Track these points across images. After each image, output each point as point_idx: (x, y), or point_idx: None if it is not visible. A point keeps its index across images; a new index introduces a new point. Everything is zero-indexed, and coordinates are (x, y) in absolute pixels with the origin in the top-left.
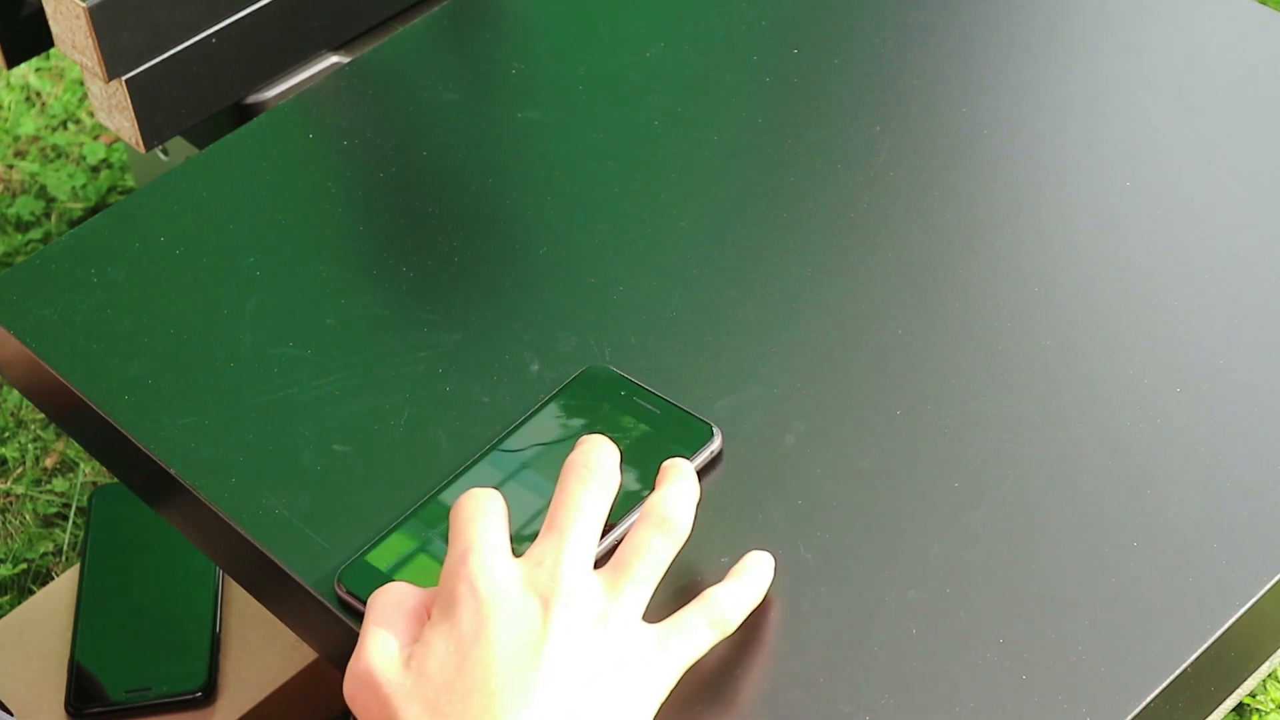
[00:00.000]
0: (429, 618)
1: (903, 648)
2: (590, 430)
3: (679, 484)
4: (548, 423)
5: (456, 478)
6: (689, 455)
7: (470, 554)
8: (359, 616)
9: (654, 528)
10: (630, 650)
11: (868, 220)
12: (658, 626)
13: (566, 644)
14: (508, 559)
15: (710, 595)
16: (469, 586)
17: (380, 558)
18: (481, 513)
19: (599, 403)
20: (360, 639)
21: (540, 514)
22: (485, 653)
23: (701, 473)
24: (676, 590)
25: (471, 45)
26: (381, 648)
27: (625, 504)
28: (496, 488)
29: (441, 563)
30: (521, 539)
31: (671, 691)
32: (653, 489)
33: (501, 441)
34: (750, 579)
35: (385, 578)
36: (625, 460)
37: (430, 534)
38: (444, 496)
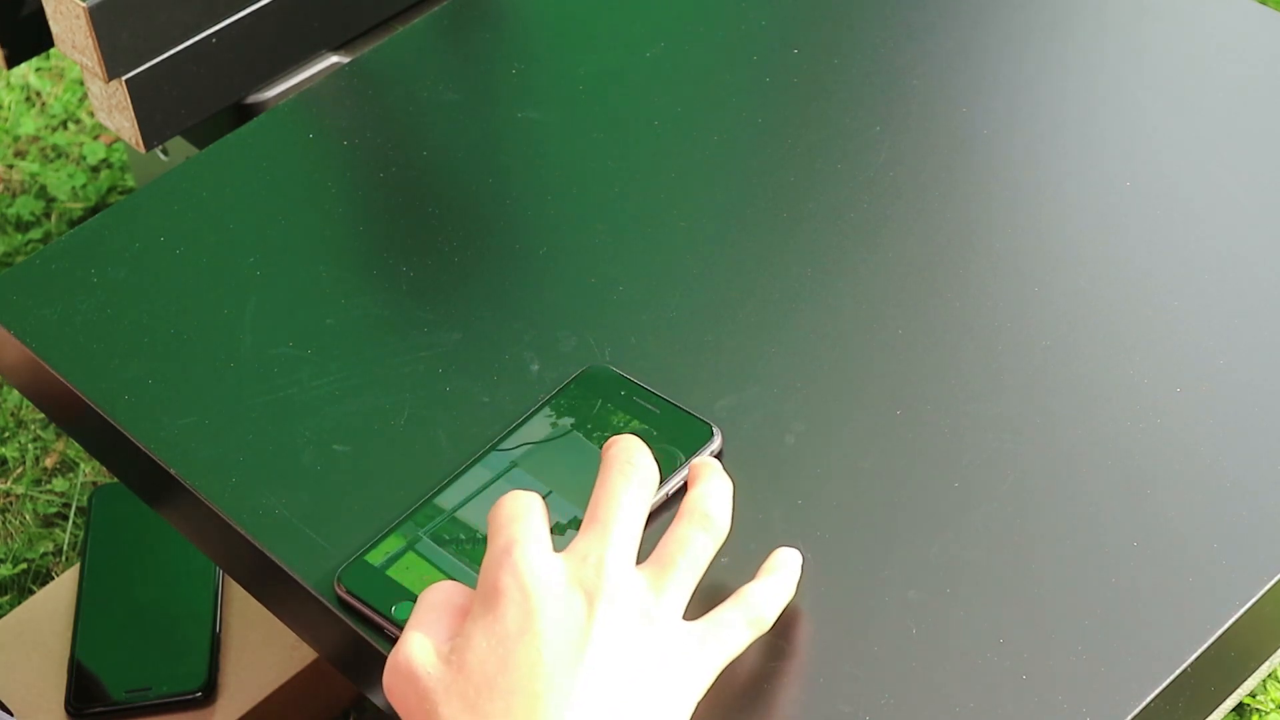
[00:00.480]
0: None
1: (903, 648)
2: (590, 430)
3: (716, 481)
4: (548, 422)
5: (456, 478)
6: (689, 455)
7: (515, 547)
8: (359, 616)
9: (696, 524)
10: (672, 648)
11: (868, 220)
12: (697, 624)
13: (611, 642)
14: (551, 554)
15: (747, 593)
16: (514, 579)
17: (380, 558)
18: (524, 511)
19: (599, 402)
20: (404, 632)
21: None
22: (530, 650)
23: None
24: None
25: (471, 45)
26: (422, 641)
27: None
28: (496, 486)
29: (439, 564)
30: None
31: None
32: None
33: (502, 440)
34: (783, 575)
35: (385, 578)
36: None
37: (429, 534)
38: (444, 497)
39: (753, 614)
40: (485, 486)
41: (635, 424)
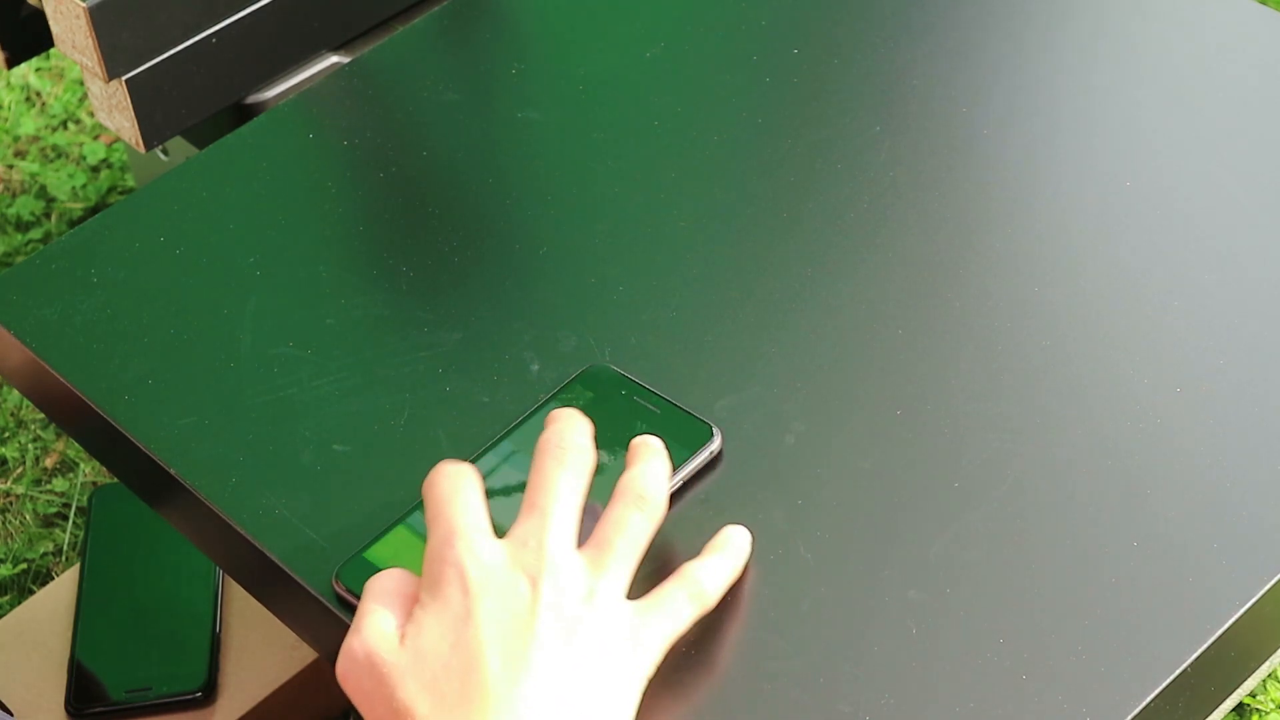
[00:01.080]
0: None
1: (903, 648)
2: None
3: (652, 461)
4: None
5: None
6: (689, 455)
7: (455, 538)
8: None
9: (631, 505)
10: (617, 627)
11: (868, 220)
12: (639, 603)
13: (556, 621)
14: (492, 540)
15: (688, 570)
16: (455, 569)
17: (378, 555)
18: (458, 491)
19: (599, 402)
20: (355, 619)
21: None
22: (477, 631)
23: (701, 473)
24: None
25: (471, 45)
26: (378, 626)
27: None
28: (495, 485)
29: None
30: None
31: (656, 669)
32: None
33: (502, 440)
34: (727, 553)
35: None
36: (626, 458)
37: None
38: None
39: (693, 589)
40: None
41: (636, 423)
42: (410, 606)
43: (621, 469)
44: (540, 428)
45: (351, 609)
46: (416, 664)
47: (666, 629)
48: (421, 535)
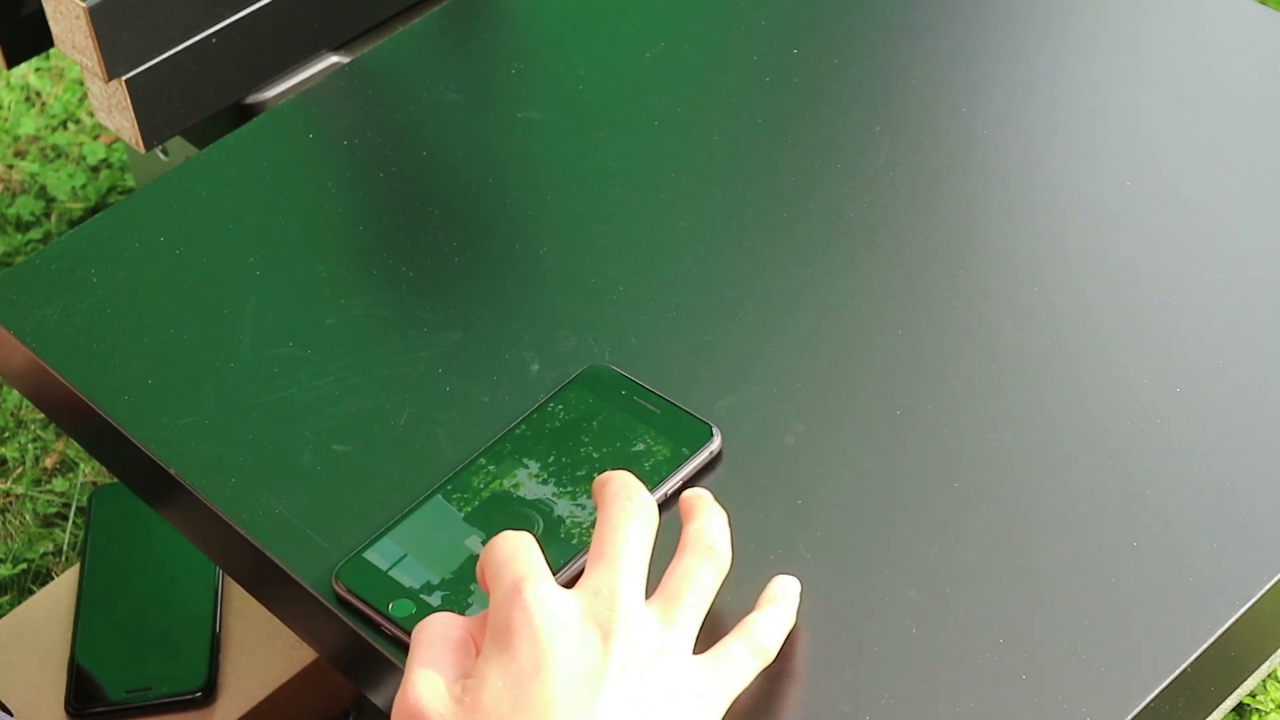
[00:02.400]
0: (476, 649)
1: (903, 648)
2: (589, 430)
3: (712, 512)
4: (548, 421)
5: (455, 477)
6: (689, 455)
7: (525, 584)
8: (357, 614)
9: (700, 556)
10: (684, 683)
11: (867, 220)
12: (706, 658)
13: (627, 677)
14: (561, 589)
15: (751, 625)
16: (525, 616)
17: (378, 555)
18: (523, 548)
19: (599, 402)
20: (406, 673)
21: (539, 512)
22: (545, 687)
23: (701, 473)
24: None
25: (471, 45)
26: (430, 682)
27: None
28: (496, 485)
29: (437, 562)
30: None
31: None
32: (653, 483)
33: (502, 440)
34: (783, 605)
35: (383, 575)
36: (624, 460)
37: (428, 532)
38: (442, 495)
39: (757, 645)
40: (484, 485)
41: (635, 424)
42: (463, 653)
43: (620, 468)
44: (541, 428)
45: (352, 609)
46: (477, 714)
47: (732, 685)
48: (420, 536)
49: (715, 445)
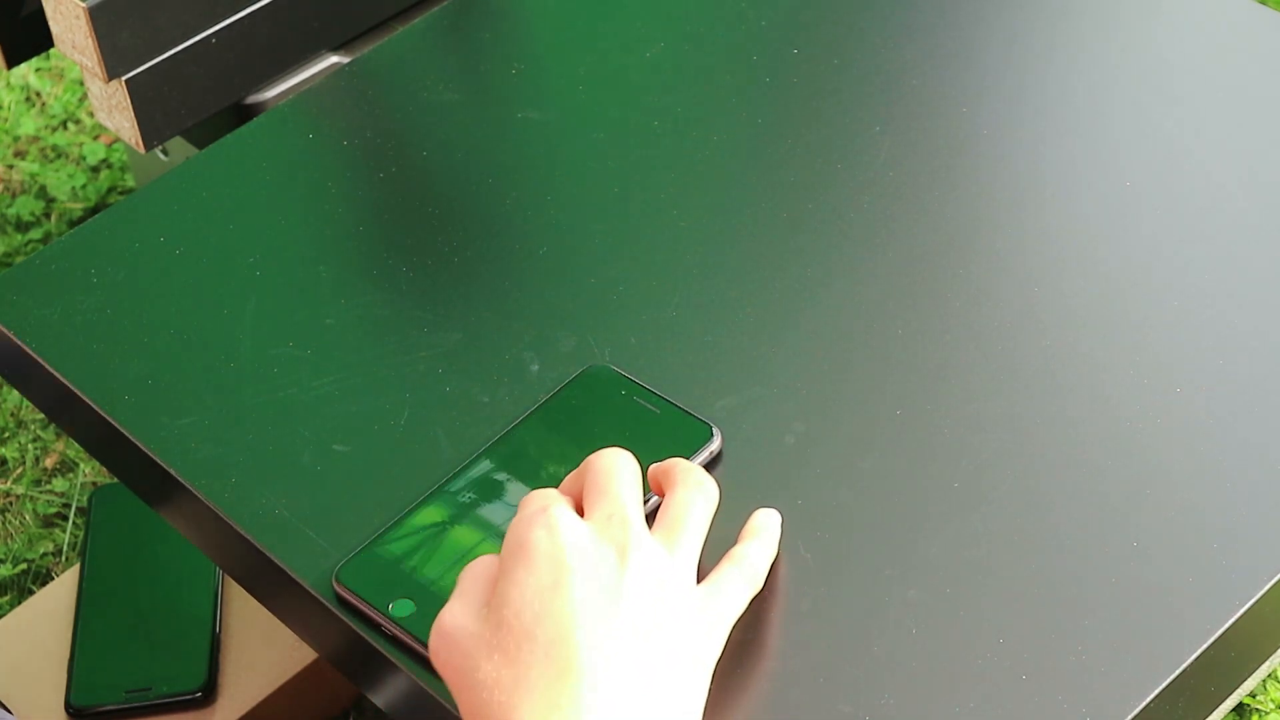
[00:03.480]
0: None
1: (903, 648)
2: (589, 429)
3: (698, 485)
4: (548, 421)
5: (456, 476)
6: (689, 455)
7: (548, 509)
8: (358, 614)
9: (694, 488)
10: (690, 607)
11: (868, 220)
12: (705, 585)
13: (642, 595)
14: (579, 518)
15: (740, 554)
16: (546, 532)
17: (378, 555)
18: (552, 495)
19: (599, 402)
20: (448, 601)
21: None
22: (565, 600)
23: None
24: None
25: (471, 45)
26: (462, 604)
27: None
28: (495, 485)
29: (438, 561)
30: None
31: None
32: (647, 488)
33: (502, 440)
34: (766, 535)
35: (383, 575)
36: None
37: (428, 532)
38: (443, 495)
39: (749, 573)
40: (484, 485)
41: (635, 424)
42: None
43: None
44: (541, 428)
45: (352, 609)
46: (500, 635)
47: (731, 611)
48: (420, 536)
49: (715, 445)
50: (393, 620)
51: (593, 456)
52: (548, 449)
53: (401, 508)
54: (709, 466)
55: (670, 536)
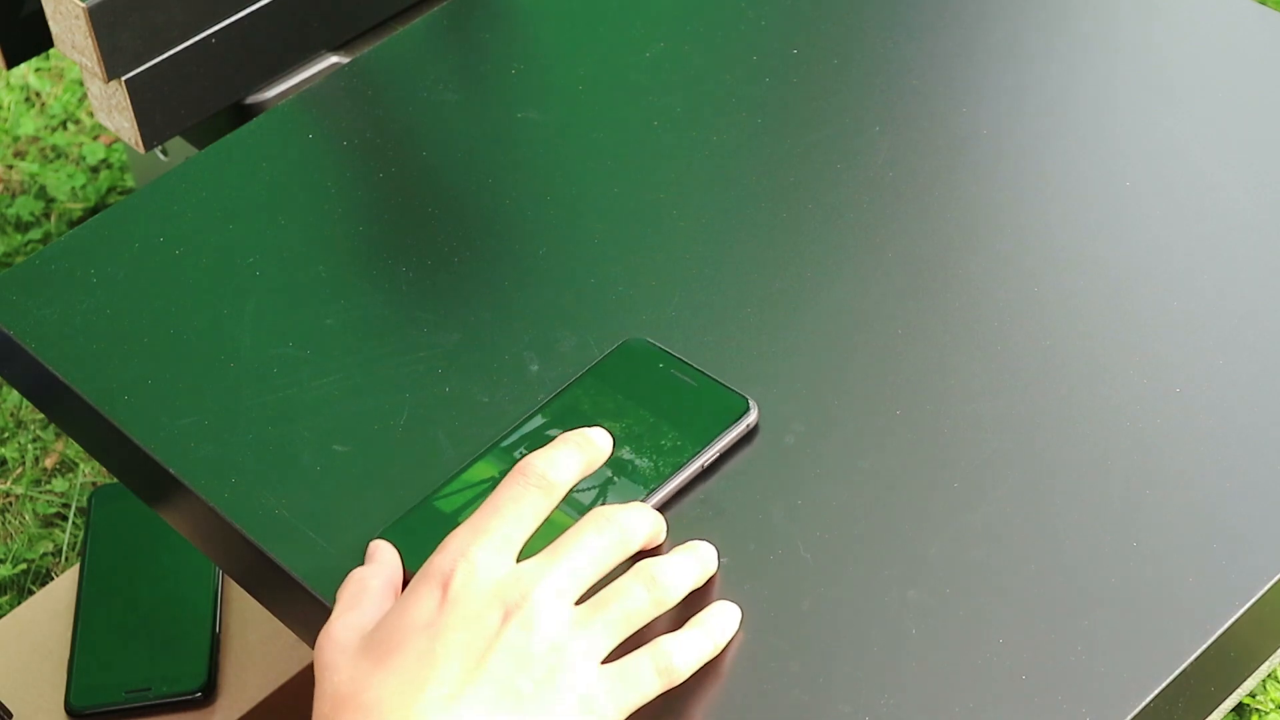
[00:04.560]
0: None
1: (903, 648)
2: (625, 402)
3: (680, 555)
4: (586, 394)
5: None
6: (724, 428)
7: (471, 547)
8: None
9: (641, 581)
10: (574, 686)
11: (868, 220)
12: (608, 668)
13: (511, 662)
14: (497, 562)
15: (661, 643)
16: (438, 574)
17: (427, 514)
18: (518, 500)
19: (636, 374)
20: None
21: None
22: (429, 640)
23: (701, 474)
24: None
25: (471, 45)
26: (351, 613)
27: (671, 460)
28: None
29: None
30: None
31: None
32: (689, 454)
33: (540, 410)
34: (707, 629)
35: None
36: (663, 429)
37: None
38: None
39: (663, 664)
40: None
41: (673, 396)
42: (387, 597)
43: (657, 440)
44: (579, 401)
45: None
46: (365, 654)
47: (628, 700)
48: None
49: (752, 418)
50: None
51: (574, 528)
52: (587, 421)
53: (402, 508)
54: (743, 441)
55: (588, 614)
